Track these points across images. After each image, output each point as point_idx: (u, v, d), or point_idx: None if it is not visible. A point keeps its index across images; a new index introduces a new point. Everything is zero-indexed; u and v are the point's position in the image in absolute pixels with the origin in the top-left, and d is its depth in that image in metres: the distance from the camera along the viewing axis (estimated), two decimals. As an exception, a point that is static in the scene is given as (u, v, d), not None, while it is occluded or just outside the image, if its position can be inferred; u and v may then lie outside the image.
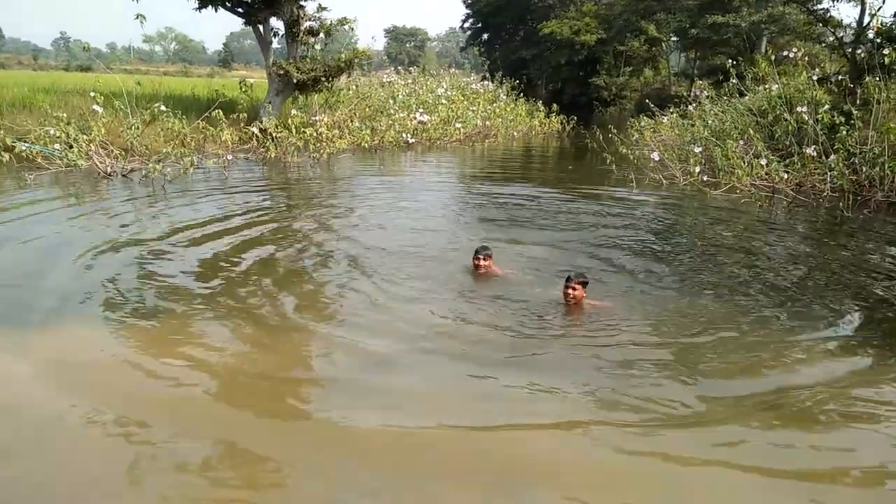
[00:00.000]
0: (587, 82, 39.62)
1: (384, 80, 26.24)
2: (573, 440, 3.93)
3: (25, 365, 4.65)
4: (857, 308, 6.21)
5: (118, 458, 3.60)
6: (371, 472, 3.56)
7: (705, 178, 11.93)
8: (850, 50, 19.34)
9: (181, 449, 3.72)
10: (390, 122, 20.26)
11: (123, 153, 12.48)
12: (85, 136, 12.24)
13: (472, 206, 11.22)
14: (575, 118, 29.09)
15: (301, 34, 17.76)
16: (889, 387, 4.60)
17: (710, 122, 15.79)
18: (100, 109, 12.79)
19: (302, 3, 17.59)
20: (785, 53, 15.96)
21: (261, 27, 17.72)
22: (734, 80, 15.62)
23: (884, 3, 17.98)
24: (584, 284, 5.91)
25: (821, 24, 25.50)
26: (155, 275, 6.64)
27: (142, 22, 14.25)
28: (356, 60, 18.22)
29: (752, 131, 13.20)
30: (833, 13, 22.64)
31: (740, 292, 6.56)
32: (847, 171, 11.32)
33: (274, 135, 15.83)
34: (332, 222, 9.33)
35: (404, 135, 20.07)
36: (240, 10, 17.49)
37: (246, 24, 18.34)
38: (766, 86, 14.92)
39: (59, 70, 53.48)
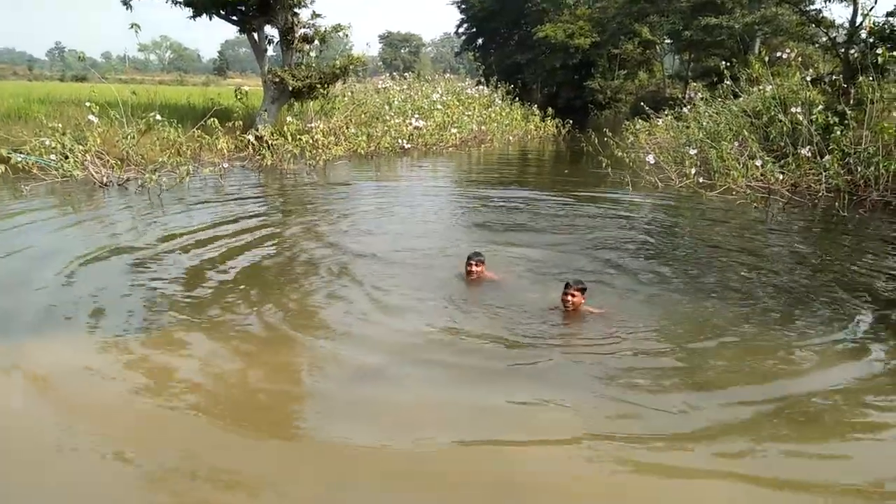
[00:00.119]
0: (582, 86, 39.66)
1: (379, 86, 26.28)
2: (573, 454, 3.82)
3: (6, 377, 4.62)
4: (861, 309, 6.19)
5: (95, 474, 3.58)
6: (360, 492, 3.49)
7: (701, 180, 11.96)
8: (843, 50, 19.38)
9: (163, 464, 3.66)
10: (386, 128, 20.27)
11: (119, 163, 12.48)
12: (80, 147, 12.23)
13: (468, 211, 11.23)
14: (570, 122, 29.12)
15: (296, 41, 17.78)
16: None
17: (704, 123, 15.83)
18: (95, 119, 12.78)
19: (296, 10, 17.60)
20: (778, 54, 16.03)
21: (255, 35, 17.74)
22: (728, 82, 15.66)
23: (876, 2, 18.06)
24: (583, 291, 5.85)
25: (813, 25, 25.57)
26: (146, 285, 6.61)
27: (136, 31, 14.26)
28: (351, 67, 18.22)
29: (746, 132, 13.24)
30: (825, 14, 22.74)
31: (740, 295, 6.54)
32: (842, 171, 11.34)
33: (270, 142, 15.83)
34: (326, 229, 9.32)
35: (400, 140, 20.09)
36: (234, 18, 17.49)
37: (241, 32, 18.36)
38: (761, 87, 14.98)
39: (54, 80, 53.44)
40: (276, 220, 9.88)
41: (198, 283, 6.69)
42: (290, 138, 15.93)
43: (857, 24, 18.52)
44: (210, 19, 17.22)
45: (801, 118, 12.30)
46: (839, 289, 6.78)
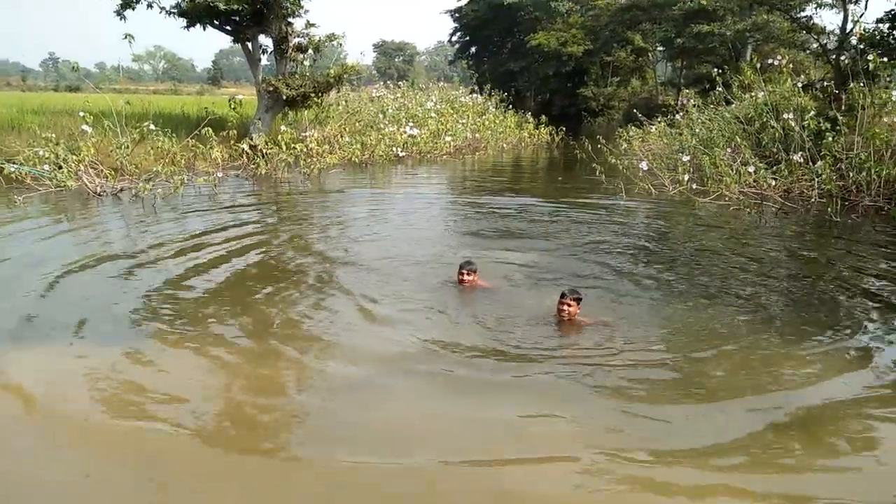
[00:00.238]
0: (575, 93, 39.83)
1: (373, 95, 26.34)
2: (570, 470, 3.70)
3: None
4: (858, 316, 6.20)
5: (69, 487, 3.53)
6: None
7: (694, 187, 12.00)
8: (833, 56, 19.53)
9: (141, 481, 3.57)
10: (380, 136, 20.29)
11: (113, 173, 12.46)
12: (74, 157, 12.21)
13: (461, 219, 11.24)
14: (564, 129, 29.25)
15: (290, 51, 17.82)
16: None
17: (697, 130, 15.91)
18: (89, 129, 12.76)
19: (290, 20, 17.65)
20: (770, 61, 16.13)
21: (249, 44, 17.77)
22: (720, 89, 15.75)
23: (866, 9, 18.20)
24: (579, 301, 5.80)
25: (804, 32, 25.76)
26: (133, 294, 6.53)
27: (130, 42, 14.27)
28: (345, 76, 18.28)
29: (739, 139, 13.30)
30: (816, 20, 22.88)
31: (735, 303, 6.52)
32: (834, 177, 11.40)
33: (264, 151, 15.84)
34: (319, 238, 9.31)
35: (394, 149, 20.11)
36: (228, 28, 17.53)
37: (234, 41, 18.39)
38: (752, 93, 15.05)
39: (47, 91, 53.43)
40: (269, 229, 9.87)
41: (185, 293, 6.63)
42: (284, 147, 15.94)
43: (847, 31, 18.68)
44: (204, 29, 17.28)
45: (793, 124, 12.37)
46: (835, 295, 6.80)
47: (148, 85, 78.34)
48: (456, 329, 5.72)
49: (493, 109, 29.33)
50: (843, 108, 12.55)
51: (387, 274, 7.35)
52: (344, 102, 22.08)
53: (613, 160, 13.45)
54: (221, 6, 15.83)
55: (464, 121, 25.37)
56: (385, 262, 7.85)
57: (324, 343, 5.49)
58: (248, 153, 15.89)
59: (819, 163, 11.51)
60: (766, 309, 6.35)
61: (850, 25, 18.64)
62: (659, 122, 20.24)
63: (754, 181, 11.99)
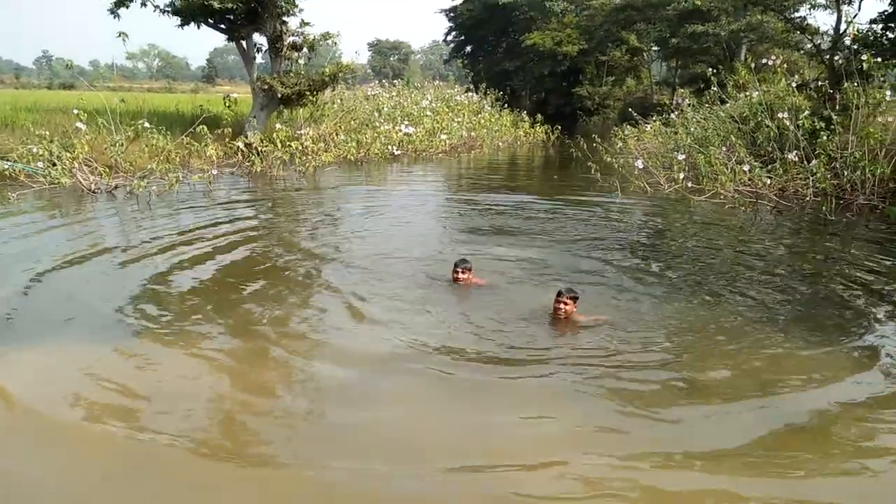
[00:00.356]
0: (570, 92, 39.91)
1: (369, 93, 26.30)
2: (570, 475, 3.61)
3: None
4: (856, 314, 6.19)
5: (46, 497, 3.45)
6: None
7: (689, 185, 12.03)
8: (827, 56, 19.63)
9: (119, 491, 3.46)
10: (376, 134, 20.28)
11: (108, 170, 12.40)
12: (68, 154, 12.16)
13: (457, 216, 11.24)
14: (559, 128, 29.28)
15: (284, 49, 17.78)
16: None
17: (692, 129, 15.96)
18: (83, 127, 12.71)
19: (285, 18, 17.61)
20: (764, 61, 16.23)
21: (244, 43, 17.72)
22: (715, 88, 15.80)
23: (859, 10, 18.28)
24: (575, 300, 5.78)
25: (798, 32, 25.90)
26: (122, 292, 6.41)
27: (124, 40, 14.22)
28: (340, 74, 18.25)
29: (734, 138, 13.34)
30: (810, 21, 23.03)
31: (733, 301, 6.48)
32: (829, 176, 11.46)
33: (259, 149, 15.80)
34: (313, 236, 9.29)
35: (390, 147, 20.10)
36: (222, 26, 17.47)
37: (229, 40, 18.33)
38: (747, 93, 15.11)
39: (41, 88, 53.26)
40: (263, 227, 9.84)
41: (176, 291, 6.56)
42: (279, 145, 15.91)
43: (841, 31, 18.78)
44: (198, 27, 17.22)
45: (787, 123, 12.43)
46: (834, 293, 6.80)
47: (142, 83, 78.07)
48: (451, 328, 5.66)
49: (489, 108, 29.34)
50: (837, 107, 12.60)
51: (381, 272, 7.30)
52: (339, 101, 22.05)
53: (609, 159, 13.47)
54: (216, 4, 15.78)
55: (459, 119, 25.38)
56: (379, 260, 7.81)
57: (316, 343, 5.42)
58: (243, 151, 15.86)
59: (814, 162, 11.55)
60: (765, 307, 6.33)
61: (843, 26, 18.76)
62: (654, 121, 20.29)
63: (749, 180, 12.04)
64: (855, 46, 14.47)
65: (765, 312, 6.18)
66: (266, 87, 17.19)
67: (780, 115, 12.75)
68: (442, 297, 6.48)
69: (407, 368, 4.91)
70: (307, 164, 15.98)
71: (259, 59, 18.77)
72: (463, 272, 6.65)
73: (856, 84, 12.17)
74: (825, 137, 11.75)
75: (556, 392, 4.56)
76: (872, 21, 16.17)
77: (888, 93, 12.48)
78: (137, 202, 11.32)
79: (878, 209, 10.83)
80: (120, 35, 14.17)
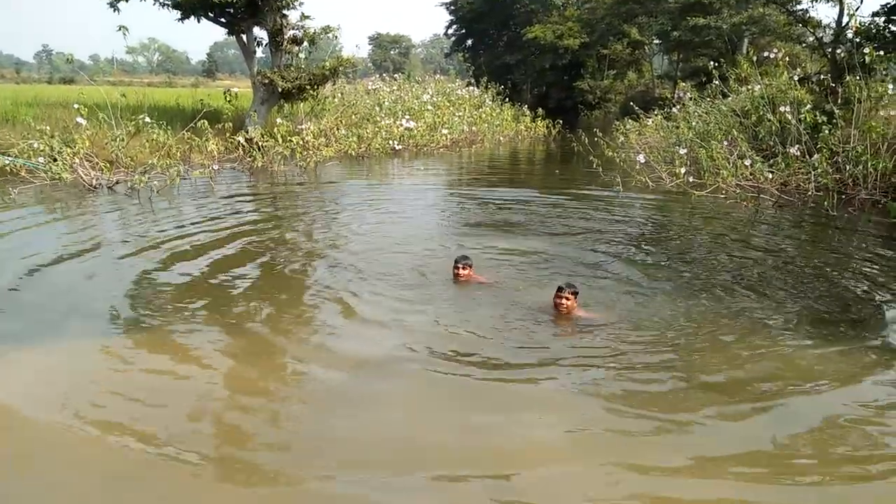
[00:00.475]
0: (572, 86, 39.78)
1: (369, 88, 26.23)
2: (571, 478, 3.58)
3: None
4: (860, 311, 6.15)
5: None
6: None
7: (691, 180, 12.00)
8: (829, 50, 19.56)
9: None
10: (376, 129, 20.25)
11: (108, 165, 12.40)
12: (69, 149, 12.15)
13: (458, 211, 11.22)
14: (560, 122, 29.21)
15: (285, 43, 17.72)
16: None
17: (694, 123, 15.90)
18: (84, 122, 12.70)
19: (285, 12, 17.55)
20: (766, 54, 16.14)
21: (244, 37, 17.67)
22: (717, 82, 15.75)
23: (862, 2, 18.24)
24: (575, 294, 5.77)
25: (800, 25, 25.81)
26: (116, 289, 6.42)
27: (125, 34, 14.18)
28: (341, 68, 18.20)
29: (735, 132, 13.31)
30: (812, 14, 22.95)
31: (737, 297, 6.45)
32: (831, 170, 11.41)
33: (260, 144, 15.79)
34: (313, 231, 9.30)
35: (391, 142, 20.08)
36: (223, 20, 17.42)
37: (229, 34, 18.28)
38: (749, 86, 15.06)
39: (41, 83, 52.98)
40: (263, 222, 9.82)
41: (173, 289, 6.52)
42: (280, 140, 15.89)
43: (843, 24, 18.70)
44: (198, 21, 17.16)
45: (789, 117, 12.38)
46: (838, 289, 6.76)
47: (142, 77, 77.87)
48: (451, 327, 5.60)
49: (490, 102, 29.26)
50: (839, 101, 12.56)
51: (381, 268, 7.27)
52: (340, 95, 22.01)
53: (610, 153, 13.44)
54: (216, -2, 15.73)
55: (460, 114, 25.32)
56: (380, 256, 7.79)
57: (315, 344, 5.36)
58: (243, 146, 15.84)
59: (815, 156, 11.51)
60: (771, 303, 6.27)
61: (845, 19, 18.67)
62: (656, 115, 20.22)
63: (751, 174, 12.00)
64: (857, 40, 14.40)
65: (771, 309, 6.14)
66: (266, 81, 17.15)
67: (781, 108, 12.70)
68: (442, 295, 6.46)
69: (406, 369, 4.85)
70: (308, 159, 15.98)
71: (259, 53, 18.74)
72: (463, 268, 6.65)
73: (858, 78, 12.12)
74: (827, 131, 11.71)
75: (558, 394, 4.50)
76: (875, 14, 16.07)
77: (890, 86, 12.43)
78: (138, 197, 11.31)
79: (880, 204, 10.80)
80: (120, 29, 14.13)
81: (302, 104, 18.77)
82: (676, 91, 22.03)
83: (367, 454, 3.79)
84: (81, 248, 7.86)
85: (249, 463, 3.69)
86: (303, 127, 17.71)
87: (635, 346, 5.19)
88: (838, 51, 18.37)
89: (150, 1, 16.71)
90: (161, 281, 6.78)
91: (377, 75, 34.81)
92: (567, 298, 5.71)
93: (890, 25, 15.49)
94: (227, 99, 17.58)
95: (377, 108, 22.60)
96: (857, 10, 18.35)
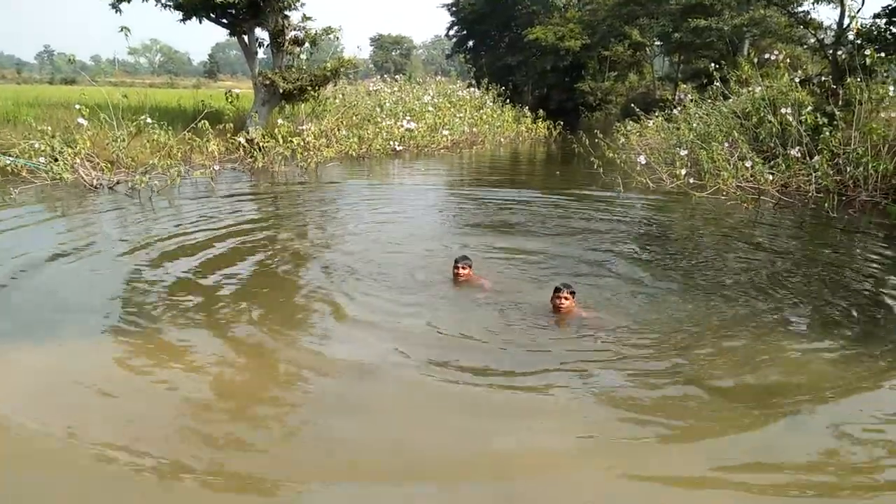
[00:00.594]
0: (573, 88, 39.79)
1: (371, 89, 26.24)
2: (573, 481, 3.54)
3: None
4: (859, 312, 6.13)
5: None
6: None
7: (692, 181, 12.00)
8: (831, 51, 19.55)
9: None
10: (377, 130, 20.26)
11: (109, 166, 12.41)
12: (70, 149, 12.15)
13: (459, 212, 11.23)
14: (561, 123, 29.22)
15: (286, 44, 17.73)
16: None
17: (694, 125, 15.90)
18: (85, 122, 12.71)
19: (286, 13, 17.57)
20: (767, 56, 16.17)
21: (246, 38, 17.68)
22: (718, 84, 15.74)
23: (863, 4, 18.23)
24: (573, 294, 5.75)
25: (802, 27, 25.81)
26: (112, 289, 6.39)
27: (126, 34, 14.20)
28: (342, 69, 18.21)
29: (736, 133, 13.30)
30: (813, 15, 22.94)
31: (733, 297, 6.43)
32: (831, 172, 11.42)
33: (261, 144, 15.80)
34: (315, 232, 9.29)
35: (392, 143, 20.09)
36: (224, 21, 17.44)
37: (231, 35, 18.30)
38: (750, 88, 15.06)
39: (43, 83, 53.04)
40: (263, 223, 9.83)
41: (169, 290, 6.44)
42: (281, 140, 15.91)
43: (844, 26, 18.70)
44: (200, 22, 17.18)
45: (790, 119, 12.38)
46: (842, 292, 6.71)
47: (144, 78, 77.92)
48: (450, 327, 5.56)
49: (491, 104, 29.27)
50: (840, 103, 12.56)
51: (381, 269, 7.23)
52: (341, 96, 22.02)
53: (611, 154, 13.45)
54: (218, -1, 15.75)
55: (461, 115, 25.33)
56: (378, 256, 7.76)
57: (309, 345, 5.29)
58: (244, 146, 15.85)
59: (816, 158, 11.51)
60: (774, 305, 6.22)
61: (847, 21, 18.66)
62: (656, 117, 20.24)
63: (751, 176, 12.00)
64: (858, 41, 14.42)
65: (776, 311, 6.08)
66: (268, 82, 17.16)
67: (782, 110, 12.70)
68: (442, 296, 6.43)
69: (403, 372, 4.78)
70: (309, 160, 15.98)
71: (261, 54, 18.75)
72: (463, 268, 6.64)
73: (859, 79, 12.12)
74: (828, 133, 11.71)
75: (558, 398, 4.41)
76: (876, 16, 16.07)
77: (891, 88, 12.42)
78: (139, 198, 11.32)
79: (881, 206, 10.80)
80: (122, 30, 14.16)
81: (303, 105, 18.79)
82: (677, 93, 22.05)
83: (362, 460, 3.70)
84: (77, 247, 7.85)
85: (240, 470, 3.58)
86: (304, 128, 17.72)
87: (638, 350, 5.13)
88: (839, 52, 18.37)
89: (151, 2, 16.74)
90: (156, 280, 6.72)
91: (378, 76, 34.82)
92: (566, 298, 5.69)
93: (891, 27, 15.48)
94: (229, 100, 17.62)
95: (378, 109, 22.61)
96: (858, 11, 18.38)
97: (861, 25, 15.83)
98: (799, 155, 11.83)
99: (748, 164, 11.99)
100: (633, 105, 22.29)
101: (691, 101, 17.68)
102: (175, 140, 13.79)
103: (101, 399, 4.31)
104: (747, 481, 3.53)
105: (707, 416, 4.22)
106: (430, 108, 24.33)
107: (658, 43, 41.56)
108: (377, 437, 3.97)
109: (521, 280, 7.02)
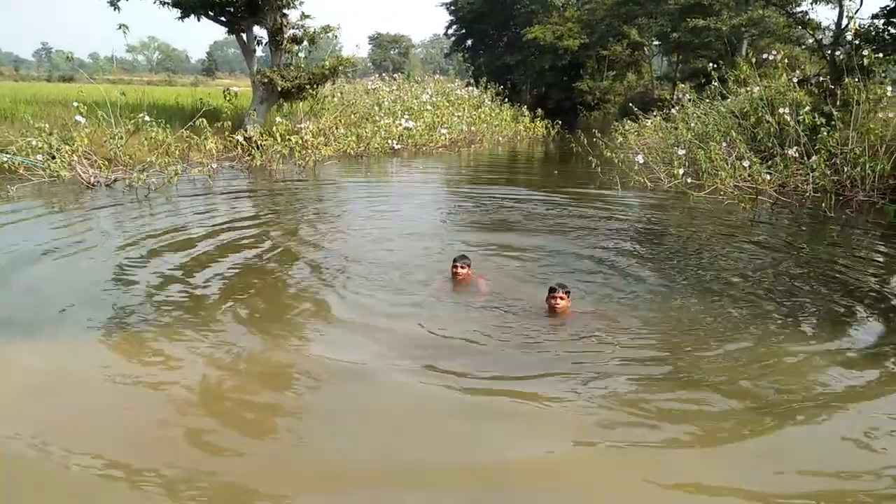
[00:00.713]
0: (571, 87, 39.80)
1: (369, 87, 26.26)
2: (572, 487, 3.50)
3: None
4: (859, 312, 6.11)
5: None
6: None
7: (689, 181, 12.02)
8: (829, 52, 19.59)
9: None
10: (376, 128, 20.28)
11: (107, 163, 12.39)
12: (67, 147, 12.13)
13: (457, 211, 11.22)
14: (559, 122, 29.24)
15: (285, 42, 17.74)
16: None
17: (692, 124, 15.92)
18: (82, 120, 12.69)
19: (285, 11, 17.56)
20: (765, 56, 16.18)
21: (244, 36, 17.68)
22: (716, 83, 15.76)
23: (861, 5, 18.26)
24: (568, 294, 5.73)
25: (800, 27, 25.84)
26: (107, 286, 6.36)
27: (125, 32, 14.17)
28: (340, 68, 18.21)
29: (734, 133, 13.32)
30: (812, 16, 22.96)
31: (730, 296, 6.41)
32: (829, 172, 11.44)
33: (259, 143, 15.79)
34: (311, 230, 9.26)
35: (390, 141, 20.10)
36: (223, 19, 17.43)
37: (229, 32, 18.29)
38: (748, 88, 15.08)
39: (41, 81, 52.98)
40: (260, 221, 9.81)
41: (157, 287, 6.37)
42: (279, 139, 15.90)
43: (842, 27, 18.73)
44: (198, 20, 17.17)
45: (788, 119, 12.40)
46: (843, 292, 6.68)
47: (142, 75, 77.83)
48: (449, 326, 5.52)
49: (489, 102, 29.29)
50: (837, 103, 12.58)
51: (377, 268, 7.18)
52: (339, 94, 22.02)
53: (609, 154, 13.46)
54: (216, -4, 15.75)
55: (459, 114, 25.36)
56: (377, 255, 7.74)
57: (301, 344, 5.24)
58: (242, 145, 15.84)
59: (814, 158, 11.53)
60: (758, 303, 6.25)
61: (845, 21, 18.70)
62: (655, 117, 20.25)
63: (749, 175, 12.02)
64: (856, 42, 14.42)
65: (776, 312, 6.04)
66: (266, 80, 17.16)
67: (780, 110, 12.73)
68: (438, 296, 6.39)
69: (397, 376, 4.69)
70: (307, 158, 15.98)
71: (259, 52, 18.76)
72: (462, 267, 6.63)
73: (857, 80, 12.14)
74: (825, 133, 11.73)
75: (555, 402, 4.33)
76: (874, 16, 16.12)
77: (889, 89, 12.46)
78: (136, 196, 11.31)
79: (878, 206, 10.82)
80: (120, 27, 14.11)
81: (301, 103, 18.79)
82: (675, 92, 22.04)
83: (353, 467, 3.62)
84: (72, 244, 7.83)
85: (225, 478, 3.46)
86: (302, 126, 17.72)
87: (636, 350, 5.08)
88: (837, 53, 18.39)
89: (149, -1, 16.72)
90: (148, 278, 6.64)
91: (377, 75, 34.82)
92: (561, 298, 5.67)
93: (889, 28, 15.52)
94: (227, 98, 17.57)
95: (376, 108, 22.64)
96: (856, 12, 18.40)
97: (859, 26, 15.85)
98: (796, 155, 11.86)
99: (746, 163, 12.01)
100: (631, 104, 22.35)
101: (689, 100, 17.71)
102: (173, 138, 13.77)
103: (80, 399, 4.25)
104: (756, 489, 3.45)
105: (713, 418, 4.14)
106: (429, 107, 24.36)
107: (656, 42, 41.62)
108: (369, 442, 3.87)
109: (518, 279, 7.00)
